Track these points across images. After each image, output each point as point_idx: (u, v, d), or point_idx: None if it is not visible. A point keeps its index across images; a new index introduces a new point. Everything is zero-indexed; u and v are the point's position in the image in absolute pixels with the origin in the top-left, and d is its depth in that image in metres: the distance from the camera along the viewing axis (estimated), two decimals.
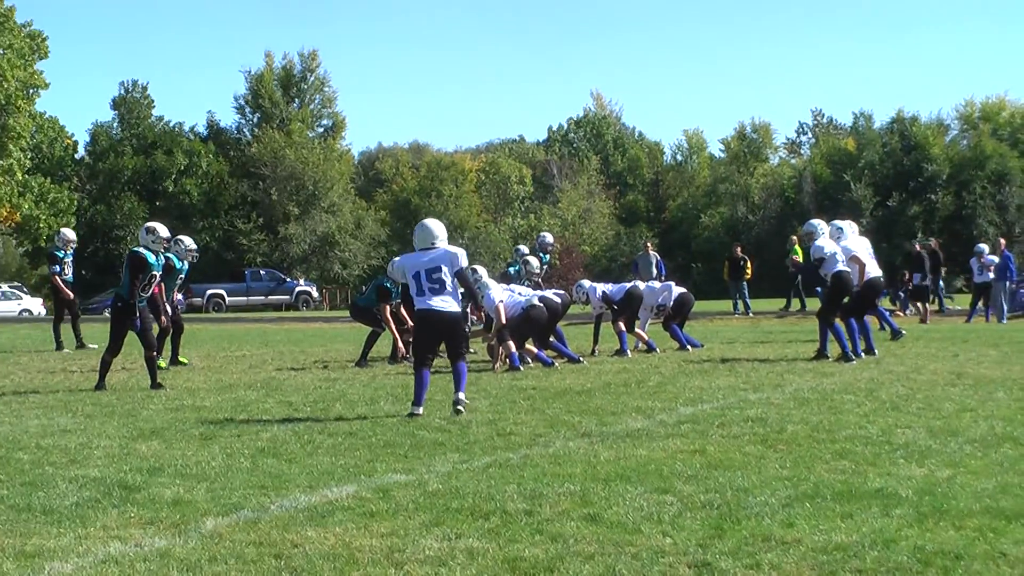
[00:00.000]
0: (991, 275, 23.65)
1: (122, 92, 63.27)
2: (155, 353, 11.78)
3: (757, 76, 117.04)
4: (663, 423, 8.04)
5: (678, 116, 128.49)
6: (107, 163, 59.30)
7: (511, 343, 12.86)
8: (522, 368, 12.67)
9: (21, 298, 47.85)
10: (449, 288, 9.10)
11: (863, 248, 13.98)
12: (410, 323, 14.60)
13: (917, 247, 24.90)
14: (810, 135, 75.68)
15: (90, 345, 17.41)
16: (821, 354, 13.36)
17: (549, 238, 18.94)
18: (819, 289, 15.26)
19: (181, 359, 14.58)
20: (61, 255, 17.71)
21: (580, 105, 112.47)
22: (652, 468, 6.22)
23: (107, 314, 15.66)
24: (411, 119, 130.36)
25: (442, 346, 9.72)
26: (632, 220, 71.30)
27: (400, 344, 14.32)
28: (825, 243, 13.35)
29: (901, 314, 25.06)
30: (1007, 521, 4.86)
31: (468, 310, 15.87)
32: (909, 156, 62.03)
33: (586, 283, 15.69)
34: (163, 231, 11.93)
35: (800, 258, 26.67)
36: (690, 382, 10.96)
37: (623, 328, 14.85)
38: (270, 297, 48.65)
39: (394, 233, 64.01)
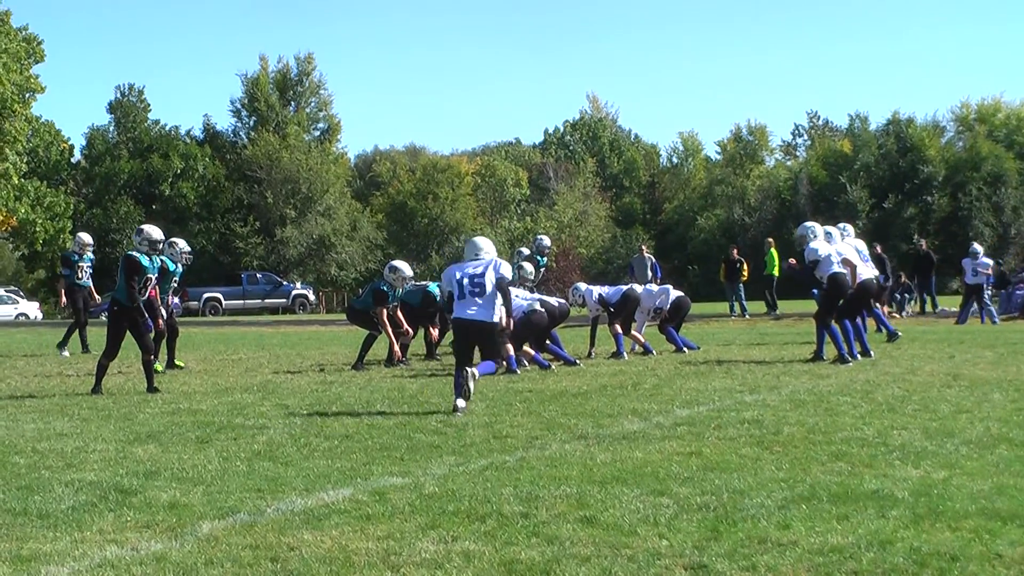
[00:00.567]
0: (985, 273, 23.66)
1: (118, 96, 63.30)
2: (153, 357, 11.76)
3: (753, 78, 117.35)
4: (659, 425, 8.04)
5: (674, 118, 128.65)
6: (103, 167, 59.28)
7: (509, 346, 12.85)
8: (518, 371, 12.67)
9: (18, 302, 47.77)
10: (488, 295, 9.56)
11: (854, 251, 14.02)
12: (406, 327, 14.63)
13: (923, 245, 24.79)
14: (806, 137, 75.82)
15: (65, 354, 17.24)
16: (817, 356, 13.38)
17: (546, 241, 18.97)
18: (815, 292, 15.26)
19: (178, 363, 14.57)
20: (75, 259, 17.64)
21: (576, 107, 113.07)
22: (648, 470, 6.22)
23: (103, 318, 15.65)
24: (407, 122, 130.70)
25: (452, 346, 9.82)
26: (628, 222, 71.35)
27: (396, 348, 14.31)
28: (819, 245, 13.36)
29: (897, 316, 25.11)
30: (1003, 522, 4.86)
31: None
32: (905, 158, 62.14)
33: (582, 286, 15.69)
34: (155, 234, 11.86)
35: (776, 263, 26.80)
36: (686, 384, 10.96)
37: (619, 331, 14.85)
38: (266, 300, 48.62)
39: (390, 236, 64.05)
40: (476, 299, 9.59)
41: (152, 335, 12.31)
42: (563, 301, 14.61)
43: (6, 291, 49.74)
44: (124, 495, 5.84)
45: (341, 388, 11.42)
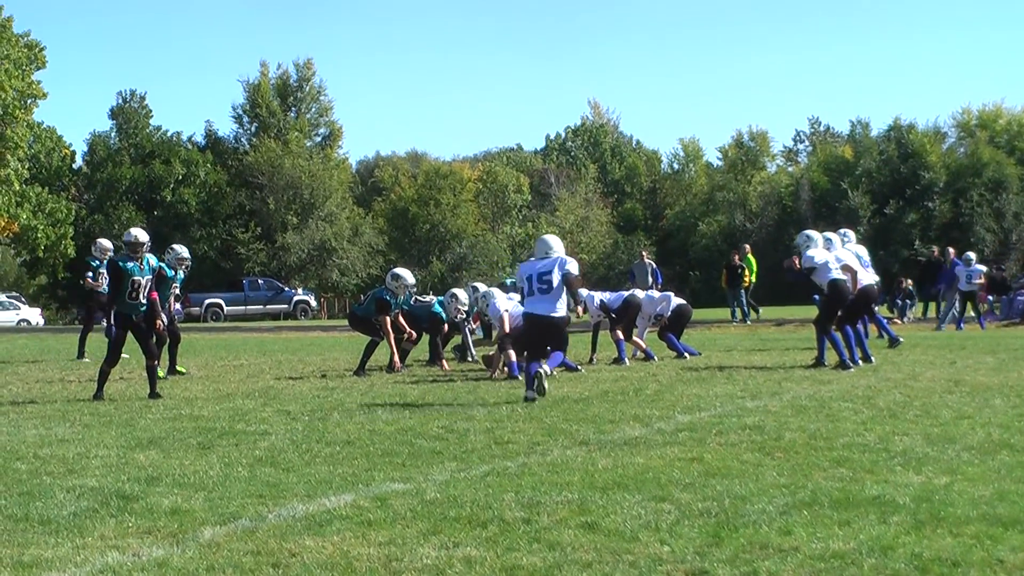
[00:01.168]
0: (978, 283, 23.64)
1: (120, 102, 63.29)
2: (156, 362, 11.79)
3: (754, 84, 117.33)
4: (661, 431, 8.04)
5: (676, 124, 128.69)
6: (105, 173, 59.27)
7: (511, 352, 12.86)
8: (520, 377, 12.67)
9: (19, 308, 47.80)
10: (555, 291, 10.32)
11: (854, 257, 14.02)
12: (409, 331, 14.63)
13: (936, 251, 24.73)
14: (807, 143, 75.78)
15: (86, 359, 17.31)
16: (819, 362, 13.38)
17: None
18: (816, 297, 15.27)
19: (179, 369, 14.56)
20: (96, 264, 17.61)
21: (578, 114, 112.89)
22: (650, 476, 6.22)
23: (105, 323, 15.64)
24: (409, 128, 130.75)
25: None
26: (630, 228, 71.33)
27: (396, 357, 14.31)
28: (816, 253, 13.36)
29: (899, 321, 25.11)
30: (1004, 528, 4.86)
31: (471, 318, 15.94)
32: (906, 164, 62.10)
33: (583, 291, 15.67)
34: (135, 236, 11.62)
35: (754, 270, 26.83)
36: (688, 390, 10.96)
37: (621, 336, 14.85)
38: (268, 306, 48.59)
39: (392, 242, 64.05)
40: (544, 295, 10.33)
41: (155, 340, 12.35)
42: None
43: (8, 297, 49.78)
44: (126, 501, 5.84)
45: (343, 394, 11.42)
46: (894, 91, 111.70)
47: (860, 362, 13.26)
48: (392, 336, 14.22)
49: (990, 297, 25.99)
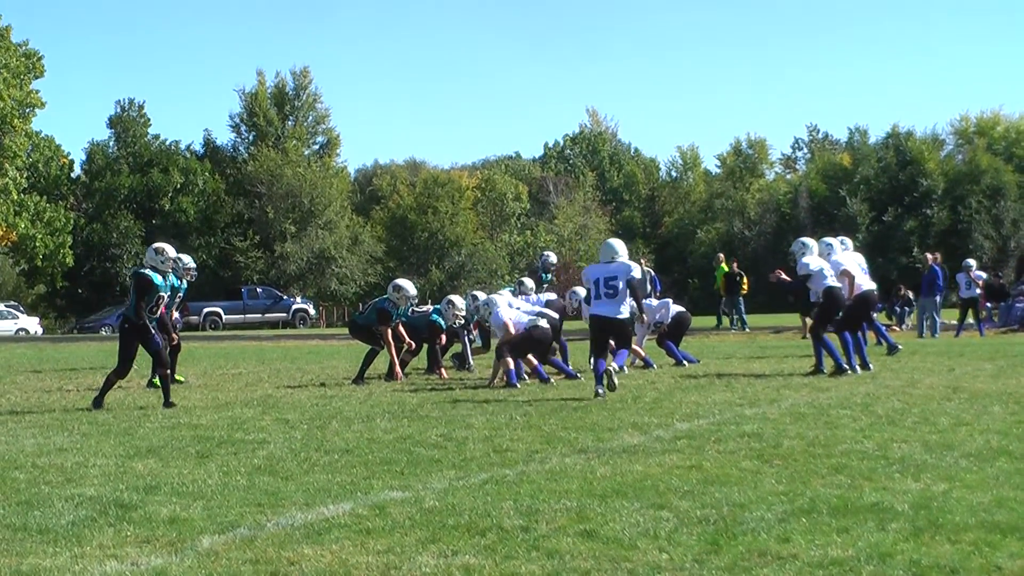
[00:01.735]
0: (978, 290, 23.65)
1: (118, 111, 63.29)
2: (168, 371, 11.80)
3: (752, 92, 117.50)
4: (659, 439, 8.04)
5: (674, 132, 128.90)
6: (103, 182, 59.29)
7: (509, 360, 12.87)
8: (519, 385, 12.68)
9: (18, 317, 47.75)
10: (620, 294, 11.20)
11: (853, 262, 14.03)
12: (408, 341, 14.63)
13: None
14: (806, 150, 75.96)
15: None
16: (817, 369, 13.38)
17: (552, 258, 18.93)
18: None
19: (178, 377, 14.55)
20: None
21: (576, 122, 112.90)
22: (648, 484, 6.22)
23: (104, 332, 15.64)
24: (407, 136, 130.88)
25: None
26: (628, 236, 71.17)
27: (397, 366, 14.31)
28: (810, 260, 13.37)
29: (897, 329, 25.12)
30: (1002, 535, 4.86)
31: (471, 325, 15.92)
32: (904, 171, 62.22)
33: (580, 291, 15.58)
34: (171, 251, 12.08)
35: (723, 277, 26.88)
36: (686, 397, 10.96)
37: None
38: (267, 315, 48.60)
39: (391, 250, 64.08)
40: (610, 299, 11.20)
41: (168, 350, 12.35)
42: (555, 311, 14.56)
43: (6, 306, 49.73)
44: (124, 510, 5.84)
45: (341, 402, 11.42)
46: (892, 98, 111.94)
47: (859, 369, 13.26)
48: (393, 346, 14.23)
49: (988, 304, 25.99)
